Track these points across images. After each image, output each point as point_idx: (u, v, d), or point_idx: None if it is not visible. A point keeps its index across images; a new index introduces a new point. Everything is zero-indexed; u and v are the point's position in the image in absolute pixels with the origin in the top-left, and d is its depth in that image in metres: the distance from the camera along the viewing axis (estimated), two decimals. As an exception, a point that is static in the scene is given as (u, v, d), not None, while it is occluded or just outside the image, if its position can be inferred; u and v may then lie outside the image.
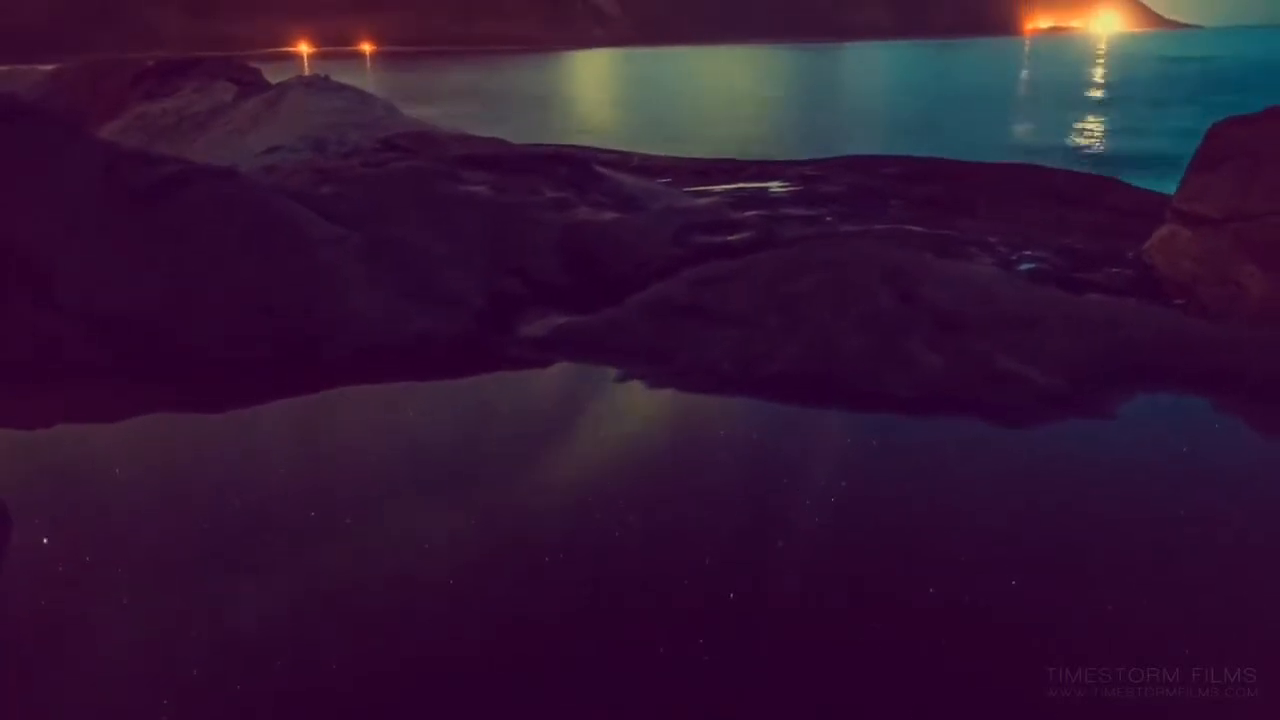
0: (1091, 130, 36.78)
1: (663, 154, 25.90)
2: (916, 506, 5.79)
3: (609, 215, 9.77)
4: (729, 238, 8.98)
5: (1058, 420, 6.82)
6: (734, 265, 8.53)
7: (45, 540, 5.47)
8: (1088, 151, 30.32)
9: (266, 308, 8.54)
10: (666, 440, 6.93)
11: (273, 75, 22.88)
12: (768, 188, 20.13)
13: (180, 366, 8.11)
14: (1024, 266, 12.60)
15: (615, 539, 5.42)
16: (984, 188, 20.31)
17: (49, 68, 23.41)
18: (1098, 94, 55.51)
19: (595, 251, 9.15)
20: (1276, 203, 10.77)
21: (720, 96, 61.49)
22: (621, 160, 23.87)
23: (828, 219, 16.50)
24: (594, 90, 75.07)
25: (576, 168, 10.99)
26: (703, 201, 13.06)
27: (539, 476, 6.29)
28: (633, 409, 7.41)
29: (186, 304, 8.52)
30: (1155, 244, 12.21)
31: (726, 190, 19.45)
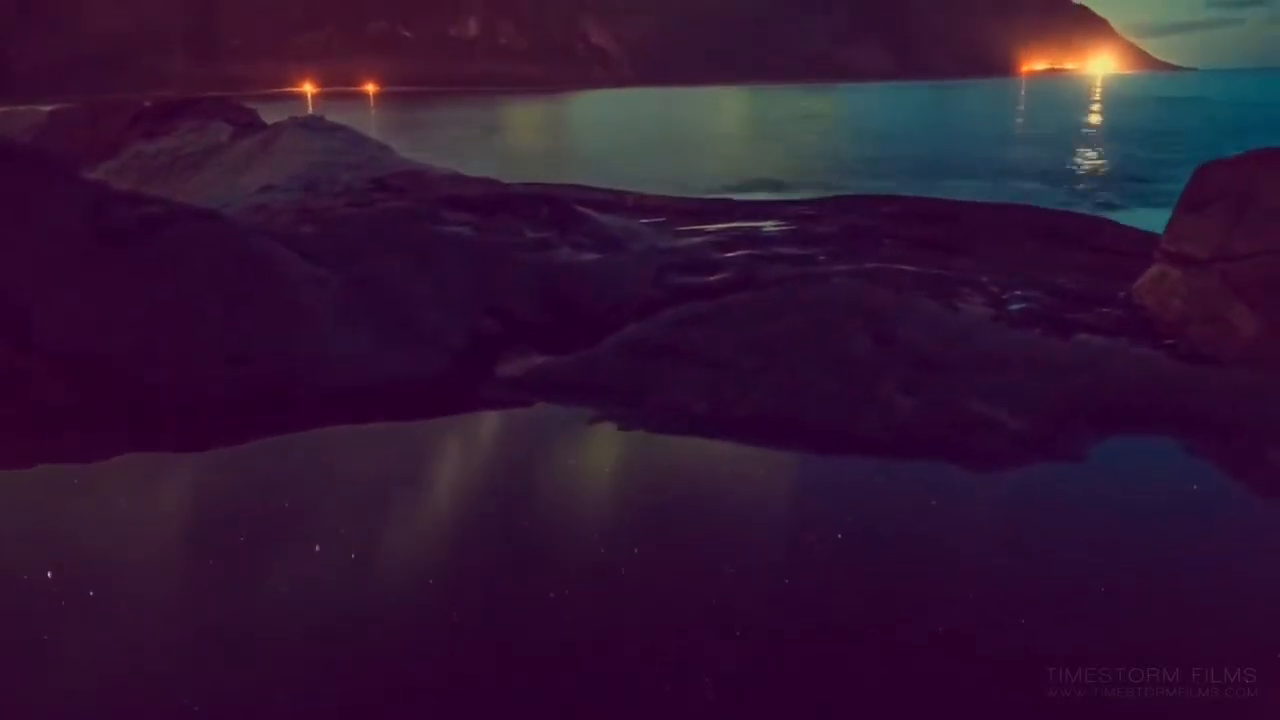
0: (1085, 169, 37.09)
1: (658, 193, 26.04)
2: (878, 552, 5.75)
3: (589, 256, 9.81)
4: (708, 278, 9.00)
5: (1026, 464, 6.77)
6: (710, 306, 8.53)
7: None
8: (1081, 190, 30.54)
9: (243, 348, 8.54)
10: (632, 484, 6.88)
11: (278, 115, 23.08)
12: (761, 227, 20.16)
13: (155, 408, 8.08)
14: (1015, 306, 12.59)
15: (569, 583, 5.37)
16: (978, 227, 20.36)
17: (48, 108, 23.62)
18: (1091, 133, 56.08)
19: (574, 292, 9.18)
20: (1262, 243, 10.82)
21: (718, 136, 62.05)
22: (617, 200, 23.98)
23: (820, 258, 16.52)
24: (593, 130, 75.81)
25: (558, 208, 11.05)
26: (684, 242, 13.10)
27: (498, 519, 6.28)
28: (602, 452, 7.37)
29: (163, 345, 8.52)
30: (1145, 284, 12.24)
31: (719, 230, 19.52)
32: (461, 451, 7.66)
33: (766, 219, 20.95)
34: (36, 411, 7.99)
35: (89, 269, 9.06)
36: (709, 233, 18.72)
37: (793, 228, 19.73)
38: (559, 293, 9.21)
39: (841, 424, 7.23)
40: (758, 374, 7.80)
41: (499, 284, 9.31)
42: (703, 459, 7.22)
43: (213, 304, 8.95)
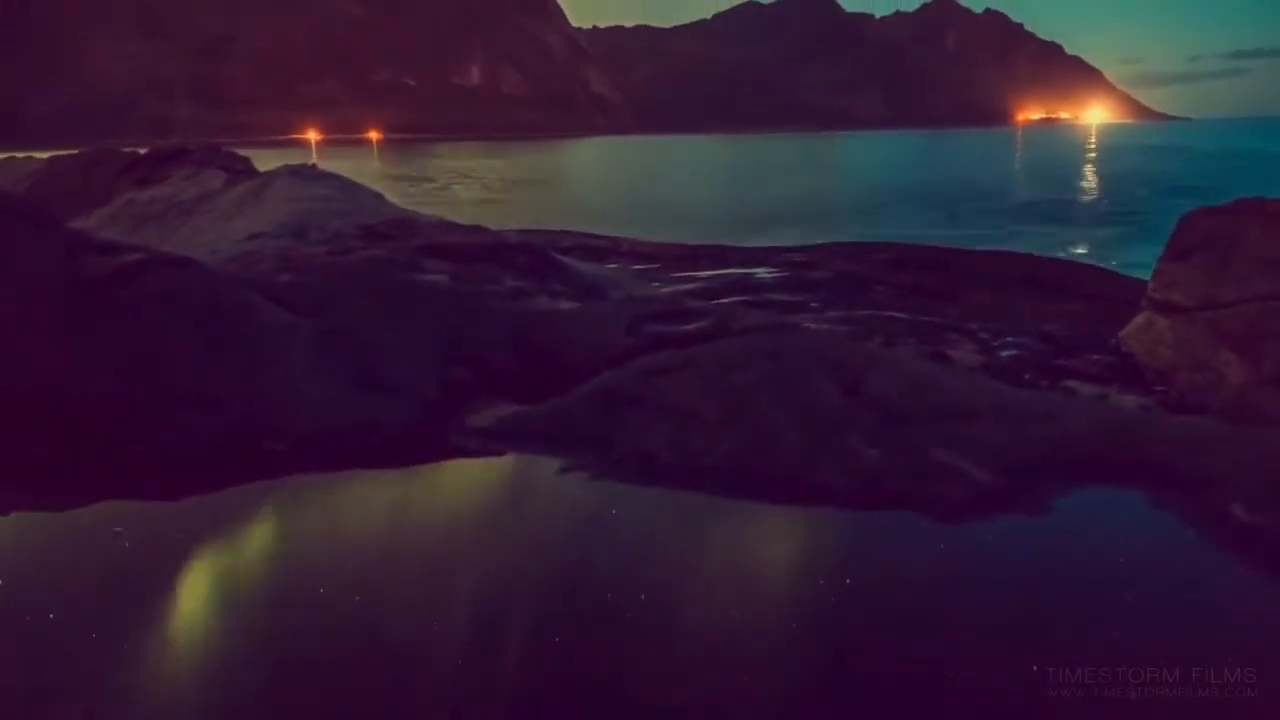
0: (1076, 216, 37.33)
1: (653, 239, 26.13)
2: (829, 604, 5.68)
3: (566, 304, 9.80)
4: (683, 327, 8.99)
5: (986, 516, 6.70)
6: (682, 355, 8.53)
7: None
8: (1072, 237, 30.71)
9: (214, 396, 8.48)
10: (596, 534, 6.83)
11: (282, 162, 23.30)
12: (754, 273, 20.24)
13: (127, 456, 7.99)
14: (1005, 353, 12.58)
15: (529, 632, 5.32)
16: (969, 274, 20.45)
17: (46, 156, 23.85)
18: (1083, 181, 56.59)
19: (548, 341, 9.16)
20: (1247, 291, 10.82)
21: (715, 183, 62.60)
22: (611, 246, 24.11)
23: (812, 305, 16.56)
24: (592, 176, 76.49)
25: (536, 257, 11.07)
26: (664, 290, 13.11)
27: (460, 568, 6.23)
28: (566, 502, 7.34)
29: (135, 393, 8.44)
30: (1133, 331, 12.25)
31: (711, 276, 19.56)
32: (428, 501, 7.63)
33: (759, 265, 21.06)
34: (7, 459, 7.88)
35: (64, 317, 8.99)
36: (700, 279, 18.78)
37: (785, 274, 19.79)
38: (533, 341, 9.19)
39: (805, 474, 7.18)
40: (725, 424, 7.76)
41: (473, 332, 9.28)
42: (665, 509, 7.19)
43: (185, 351, 8.89)
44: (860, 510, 6.87)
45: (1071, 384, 11.04)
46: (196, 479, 7.80)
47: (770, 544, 6.70)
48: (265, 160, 24.28)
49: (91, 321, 9.06)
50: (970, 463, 7.02)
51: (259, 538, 7.01)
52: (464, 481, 8.03)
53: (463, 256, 10.50)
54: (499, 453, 8.05)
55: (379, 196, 20.83)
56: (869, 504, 6.88)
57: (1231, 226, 11.34)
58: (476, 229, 18.06)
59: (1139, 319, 12.44)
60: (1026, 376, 11.17)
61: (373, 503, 7.60)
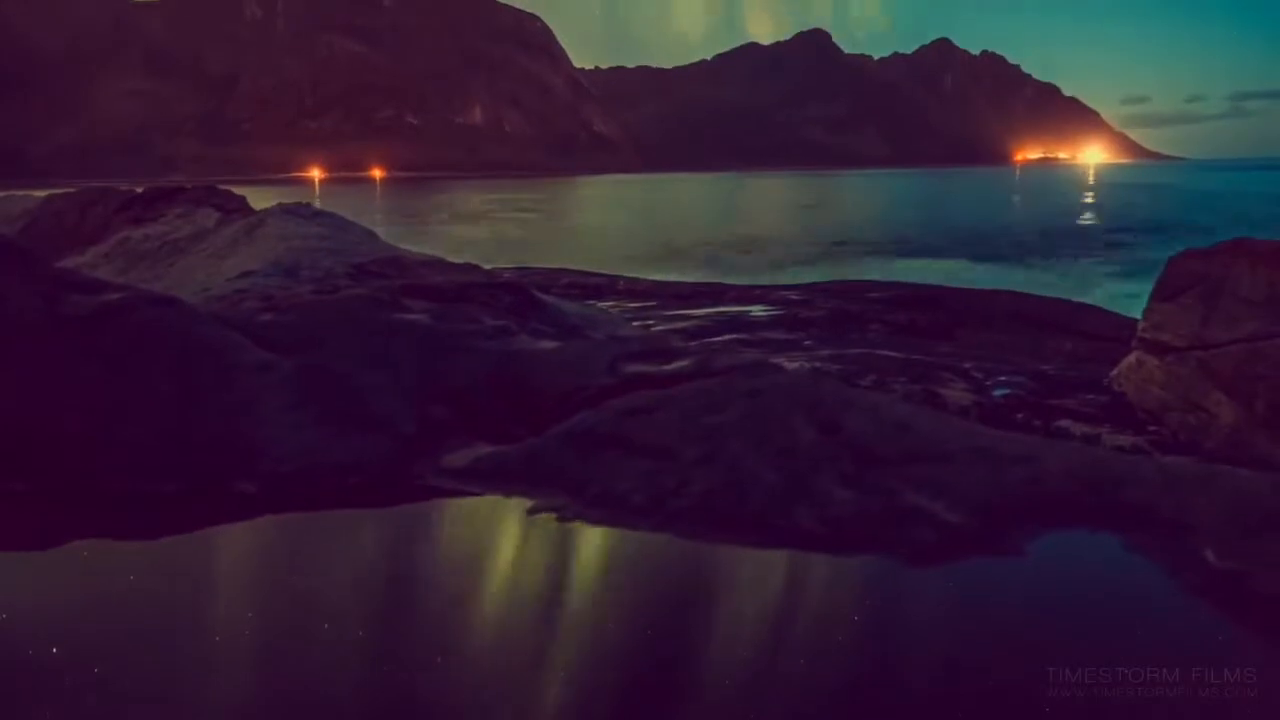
0: (1071, 255, 37.43)
1: (649, 278, 26.18)
2: (800, 650, 5.62)
3: (546, 344, 9.78)
4: (663, 367, 8.95)
5: (955, 559, 6.63)
6: (660, 395, 8.51)
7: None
8: (1065, 275, 30.75)
9: (191, 435, 8.42)
10: (561, 577, 6.80)
11: (284, 199, 23.43)
12: (748, 311, 20.24)
13: (103, 495, 7.95)
14: (997, 392, 12.53)
15: (486, 677, 5.28)
16: (963, 313, 20.45)
17: (43, 194, 23.99)
18: (1078, 220, 56.88)
19: (528, 380, 9.12)
20: (1237, 332, 10.80)
21: (714, 221, 62.93)
22: (608, 284, 24.18)
23: (805, 343, 16.54)
24: (592, 215, 76.91)
25: (519, 295, 11.06)
26: (648, 329, 13.07)
27: (422, 611, 6.21)
28: (534, 545, 7.29)
29: (112, 431, 8.39)
30: (1124, 371, 12.22)
31: (706, 314, 19.57)
32: (395, 545, 7.56)
33: (754, 303, 21.07)
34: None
35: (43, 354, 8.96)
36: (695, 317, 18.79)
37: (779, 312, 19.81)
38: (512, 380, 9.15)
39: (777, 516, 7.12)
40: (699, 464, 7.72)
41: (453, 371, 9.25)
42: (635, 551, 7.15)
43: (163, 390, 8.85)
44: (830, 553, 6.81)
45: (1064, 424, 10.99)
46: (170, 519, 7.73)
47: (734, 588, 6.65)
48: (269, 197, 24.47)
49: (70, 359, 9.05)
50: (943, 505, 6.96)
51: (228, 580, 6.92)
52: (434, 524, 7.99)
53: (445, 295, 10.49)
54: (471, 494, 7.99)
55: (372, 234, 20.89)
56: (840, 547, 6.82)
57: (1219, 267, 11.35)
58: (468, 267, 18.10)
59: (1129, 359, 12.42)
60: (1019, 416, 11.11)
61: (343, 546, 7.54)
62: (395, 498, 8.09)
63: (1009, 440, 8.07)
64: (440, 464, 8.23)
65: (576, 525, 7.28)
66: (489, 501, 7.89)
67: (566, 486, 7.70)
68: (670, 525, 7.18)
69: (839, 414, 7.92)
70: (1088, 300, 23.16)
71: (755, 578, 6.77)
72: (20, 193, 25.60)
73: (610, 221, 67.66)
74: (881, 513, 6.95)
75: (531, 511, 7.51)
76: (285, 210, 20.54)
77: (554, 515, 7.41)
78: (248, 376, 8.98)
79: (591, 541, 7.15)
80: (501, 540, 7.45)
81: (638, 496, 7.35)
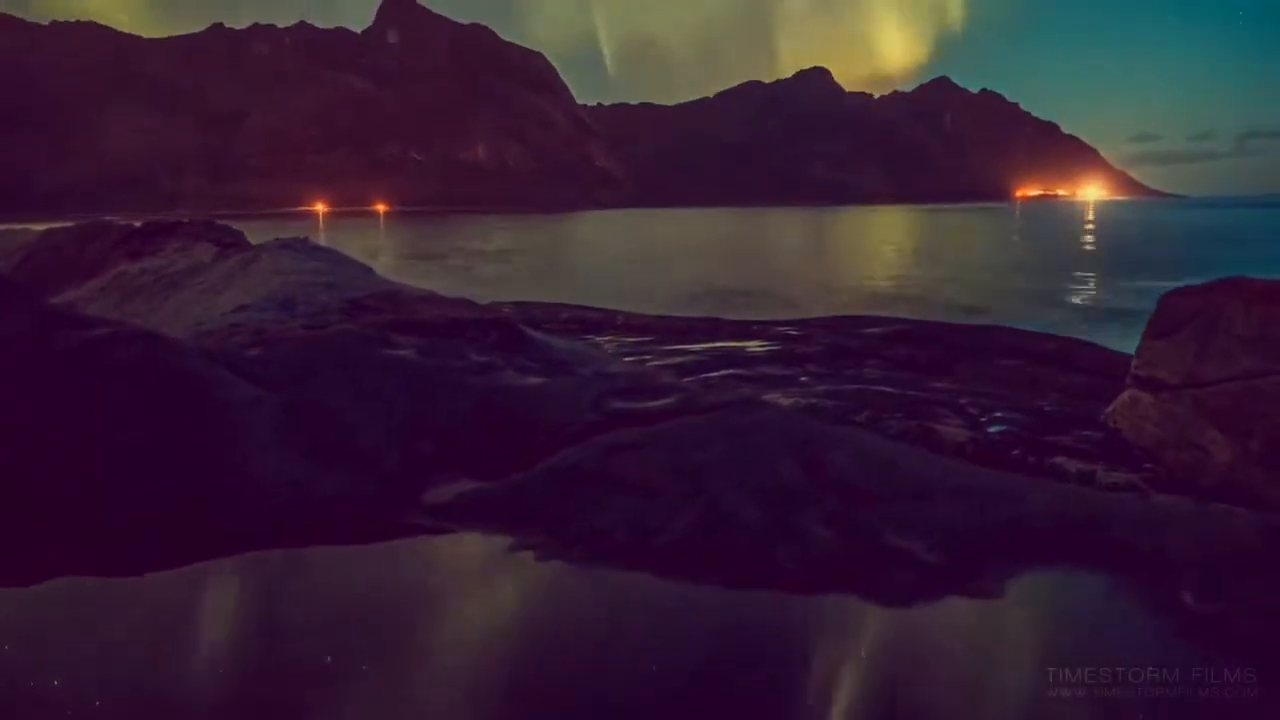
0: (1068, 292, 37.47)
1: (648, 313, 26.14)
2: (768, 691, 5.61)
3: (533, 380, 9.76)
4: (649, 403, 8.91)
5: (934, 599, 6.59)
6: (645, 432, 8.49)
7: None
8: (1065, 312, 30.76)
9: (176, 470, 8.42)
10: (538, 616, 6.79)
11: (286, 233, 23.57)
12: (745, 347, 20.17)
13: (88, 531, 7.95)
14: (993, 429, 12.43)
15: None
16: (962, 349, 20.35)
17: (41, 228, 24.15)
18: (1075, 257, 57.08)
19: (514, 416, 9.10)
20: (1231, 369, 10.72)
21: (713, 256, 63.15)
22: (607, 319, 24.16)
23: (801, 379, 16.47)
24: (593, 249, 77.25)
25: (507, 331, 11.04)
26: (637, 366, 13.04)
27: (393, 651, 6.17)
28: (513, 584, 7.27)
29: (98, 467, 8.39)
30: (1118, 408, 12.13)
31: (704, 349, 19.52)
32: (370, 582, 7.53)
33: (752, 339, 20.99)
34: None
35: (29, 391, 9.01)
36: (692, 352, 18.74)
37: (777, 347, 19.74)
38: (498, 417, 9.13)
39: (758, 555, 7.08)
40: (682, 502, 7.68)
41: (438, 407, 9.23)
42: (614, 591, 7.11)
43: (148, 426, 8.88)
44: (808, 594, 6.77)
45: (1059, 460, 10.89)
46: (150, 554, 7.70)
47: (710, 629, 6.58)
48: (272, 231, 24.62)
49: (56, 394, 9.08)
50: (922, 545, 6.93)
51: (206, 616, 6.91)
52: (410, 563, 7.90)
53: (434, 331, 10.49)
54: (452, 531, 7.94)
55: (368, 269, 20.98)
56: (819, 588, 6.78)
57: (1213, 305, 11.30)
58: (463, 302, 18.12)
59: (1124, 396, 12.33)
60: (1014, 453, 11.02)
61: (317, 584, 7.51)
62: (375, 534, 8.03)
63: (994, 479, 8.02)
64: (423, 500, 8.21)
65: (554, 564, 7.23)
66: (469, 539, 7.84)
67: (548, 524, 7.66)
68: (650, 564, 7.15)
69: (824, 452, 7.87)
70: (1085, 336, 23.11)
71: (732, 619, 6.70)
72: (20, 226, 25.78)
73: (611, 256, 67.90)
74: (862, 553, 6.90)
75: (510, 550, 7.47)
76: (281, 245, 20.65)
77: (533, 553, 7.36)
78: (233, 411, 8.99)
79: (567, 581, 7.10)
80: (477, 579, 7.40)
81: (619, 534, 7.32)
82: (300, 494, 8.26)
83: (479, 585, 7.32)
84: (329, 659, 6.06)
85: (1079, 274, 46.13)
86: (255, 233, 24.12)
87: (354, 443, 8.77)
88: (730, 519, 7.39)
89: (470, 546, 7.84)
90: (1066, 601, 6.88)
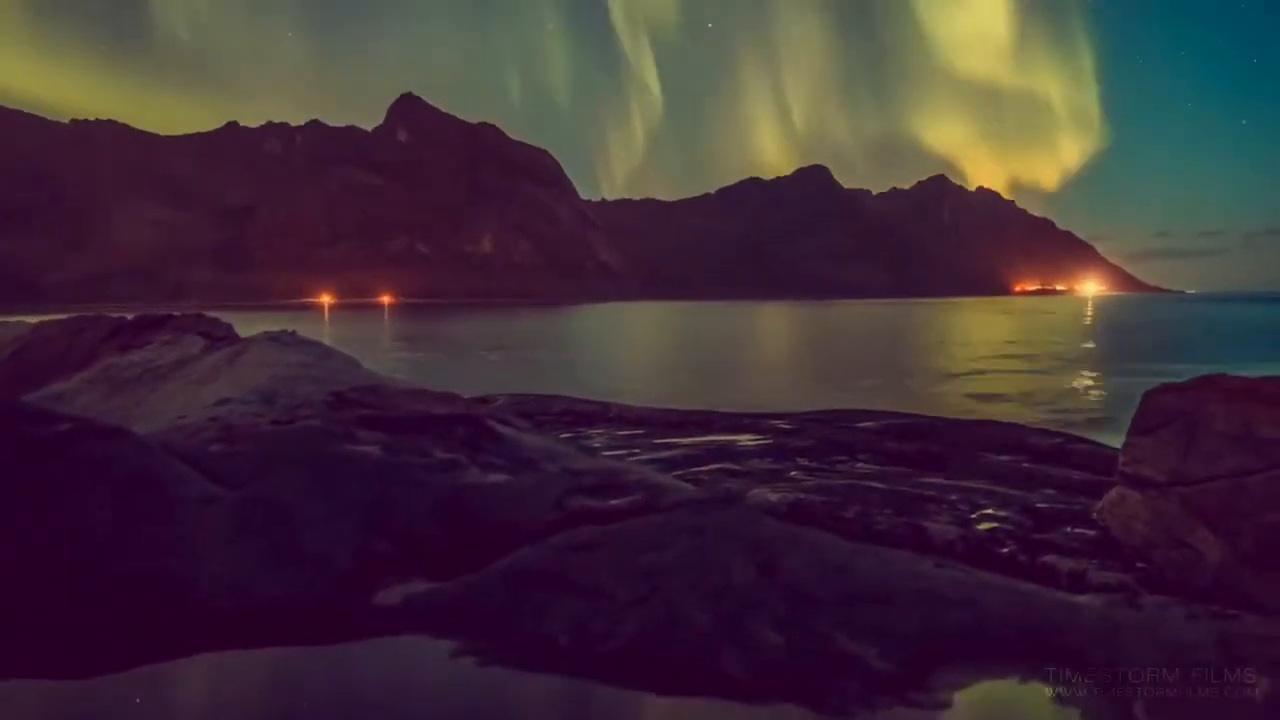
0: (1067, 388, 37.38)
1: (641, 405, 25.98)
2: None
3: (497, 477, 9.62)
4: (611, 502, 8.71)
5: (877, 709, 6.42)
6: (603, 531, 8.35)
7: None
8: (1060, 409, 30.58)
9: (129, 569, 8.27)
10: None
11: (295, 325, 23.68)
12: (737, 440, 19.96)
13: (40, 631, 7.82)
14: (982, 526, 12.17)
15: None
16: (953, 444, 20.13)
17: (35, 320, 24.31)
18: (1071, 353, 57.25)
19: (474, 515, 8.96)
20: (1217, 468, 10.54)
21: (711, 348, 63.42)
22: (600, 411, 24.02)
23: (791, 473, 16.23)
24: (593, 342, 77.72)
25: (474, 427, 10.91)
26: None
27: None
28: (447, 693, 7.08)
29: (52, 565, 8.26)
30: (1107, 506, 11.89)
31: (695, 443, 19.31)
32: (305, 686, 7.36)
33: (744, 432, 20.78)
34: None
35: (-15, 487, 8.81)
36: (683, 445, 18.53)
37: (768, 441, 19.54)
38: (457, 514, 8.99)
39: (705, 661, 6.89)
40: (631, 605, 7.51)
41: (396, 506, 9.08)
42: (550, 699, 6.92)
43: (103, 523, 8.78)
44: (751, 703, 6.56)
45: (1050, 559, 10.63)
46: (97, 655, 7.55)
47: None
48: (278, 322, 24.76)
49: (14, 492, 8.97)
50: (874, 652, 6.74)
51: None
52: (353, 666, 7.68)
53: (400, 427, 10.36)
54: (398, 634, 7.75)
55: (354, 362, 20.94)
56: (764, 695, 6.57)
57: (1193, 403, 11.18)
58: (445, 396, 18.01)
59: (1112, 494, 12.11)
60: (1004, 550, 10.76)
61: (256, 688, 7.36)
62: (321, 637, 7.86)
63: (954, 581, 7.82)
64: (374, 602, 8.04)
65: (494, 670, 7.02)
66: (412, 643, 7.64)
67: (494, 627, 7.48)
68: (592, 671, 6.93)
69: (779, 554, 7.68)
70: (1079, 433, 22.91)
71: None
72: (14, 319, 25.94)
73: (610, 349, 68.31)
74: (811, 659, 6.72)
75: (453, 655, 7.27)
76: (269, 338, 20.67)
77: (474, 659, 7.15)
78: (187, 509, 8.86)
79: (505, 688, 6.90)
80: (413, 686, 7.16)
81: (564, 639, 7.13)
82: (249, 594, 8.10)
83: (414, 693, 7.08)
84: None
85: (1075, 368, 46.15)
86: (259, 323, 24.30)
87: (307, 542, 8.61)
88: (680, 624, 7.19)
89: (413, 649, 7.62)
90: (1015, 713, 6.69)
